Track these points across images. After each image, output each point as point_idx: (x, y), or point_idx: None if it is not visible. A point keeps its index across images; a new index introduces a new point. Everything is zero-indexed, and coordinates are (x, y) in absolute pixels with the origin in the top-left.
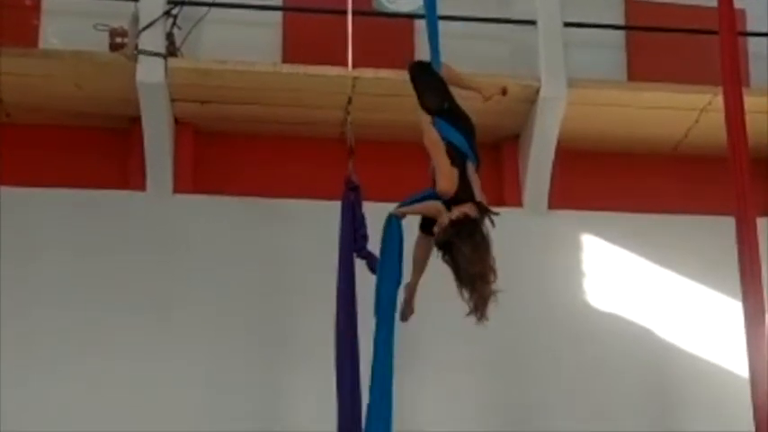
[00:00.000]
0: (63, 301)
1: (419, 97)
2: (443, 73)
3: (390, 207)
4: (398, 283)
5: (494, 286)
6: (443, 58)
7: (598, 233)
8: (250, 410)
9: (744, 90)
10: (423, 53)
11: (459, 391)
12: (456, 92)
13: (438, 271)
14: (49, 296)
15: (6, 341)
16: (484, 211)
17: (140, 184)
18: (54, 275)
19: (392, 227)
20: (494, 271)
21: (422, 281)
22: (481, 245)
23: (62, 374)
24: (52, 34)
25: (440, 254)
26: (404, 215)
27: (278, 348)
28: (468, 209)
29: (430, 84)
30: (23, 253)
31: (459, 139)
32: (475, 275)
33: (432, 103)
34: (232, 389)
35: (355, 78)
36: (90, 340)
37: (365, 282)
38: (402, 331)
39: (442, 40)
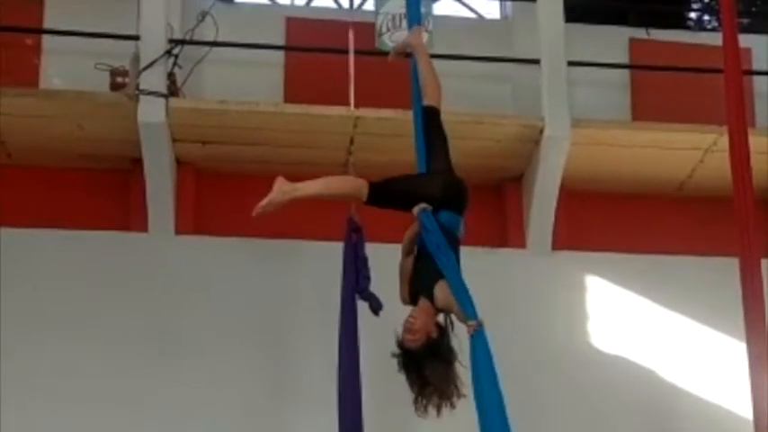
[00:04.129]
0: (63, 342)
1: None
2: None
3: (392, 247)
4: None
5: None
6: (449, 99)
7: (602, 274)
8: None
9: (749, 130)
10: None
11: None
12: (456, 134)
13: None
14: (49, 338)
15: (6, 381)
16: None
17: (142, 226)
18: (55, 317)
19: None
20: (456, 388)
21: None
22: (451, 362)
23: (62, 415)
24: (53, 74)
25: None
26: None
27: (280, 390)
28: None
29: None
30: (24, 294)
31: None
32: (441, 391)
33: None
34: (233, 431)
35: (358, 118)
36: (91, 382)
37: (368, 323)
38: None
39: (446, 80)
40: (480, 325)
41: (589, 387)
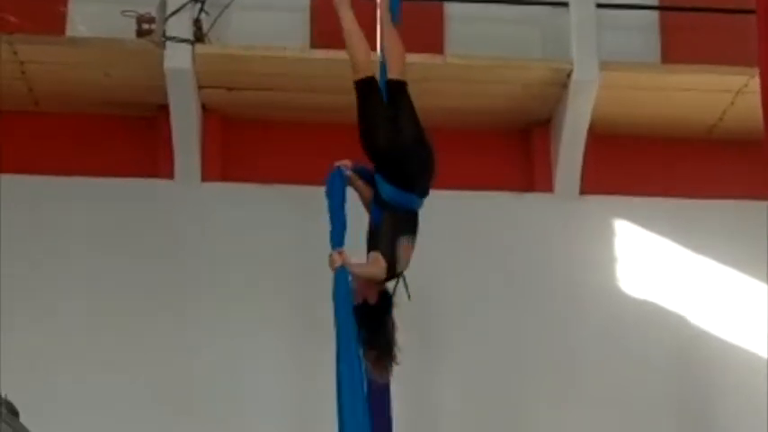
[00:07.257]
0: (89, 289)
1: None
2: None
3: None
4: None
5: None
6: (477, 42)
7: (631, 219)
8: (278, 399)
9: None
10: (453, 37)
11: (486, 383)
12: (485, 78)
13: (458, 263)
14: (76, 286)
15: (30, 332)
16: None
17: (168, 172)
18: (81, 265)
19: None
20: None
21: (442, 274)
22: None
23: (80, 368)
24: (80, 21)
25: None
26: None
27: (307, 336)
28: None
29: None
30: (51, 241)
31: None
32: (391, 349)
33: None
34: (261, 378)
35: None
36: (115, 329)
37: None
38: (425, 324)
39: (474, 24)
40: (343, 263)
41: (617, 331)
